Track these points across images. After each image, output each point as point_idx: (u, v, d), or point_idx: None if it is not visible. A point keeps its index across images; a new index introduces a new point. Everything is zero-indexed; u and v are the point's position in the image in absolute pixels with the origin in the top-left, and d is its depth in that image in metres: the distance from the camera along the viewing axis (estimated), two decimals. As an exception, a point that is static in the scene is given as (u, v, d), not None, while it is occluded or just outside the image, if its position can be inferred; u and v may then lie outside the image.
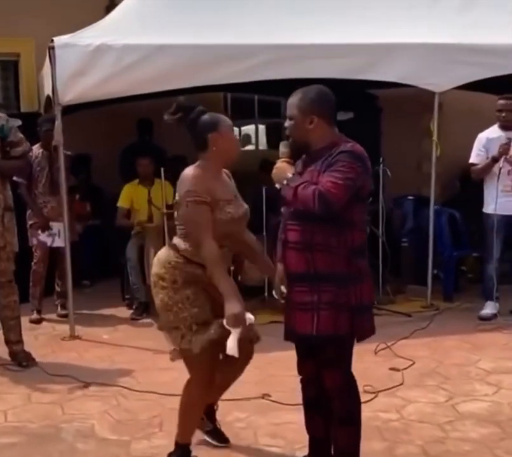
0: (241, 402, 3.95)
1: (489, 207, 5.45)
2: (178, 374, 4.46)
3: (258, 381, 4.24)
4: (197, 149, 3.02)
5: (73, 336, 5.28)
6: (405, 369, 4.40)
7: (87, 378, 4.37)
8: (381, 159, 6.13)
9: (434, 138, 5.75)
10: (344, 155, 2.74)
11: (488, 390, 4.06)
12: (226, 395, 4.02)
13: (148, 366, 4.65)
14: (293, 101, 2.86)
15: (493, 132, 5.55)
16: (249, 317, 3.01)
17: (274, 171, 2.90)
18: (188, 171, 2.97)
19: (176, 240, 3.08)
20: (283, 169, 2.87)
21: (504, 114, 5.45)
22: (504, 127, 5.49)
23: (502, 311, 5.58)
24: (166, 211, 5.51)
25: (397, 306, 5.89)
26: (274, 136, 9.23)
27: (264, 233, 5.90)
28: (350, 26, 5.68)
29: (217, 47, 5.24)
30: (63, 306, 5.87)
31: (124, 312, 6.01)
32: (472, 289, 6.32)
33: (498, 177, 5.29)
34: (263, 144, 10.49)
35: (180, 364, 4.64)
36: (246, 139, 10.49)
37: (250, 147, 11.02)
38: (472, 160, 5.57)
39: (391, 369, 4.41)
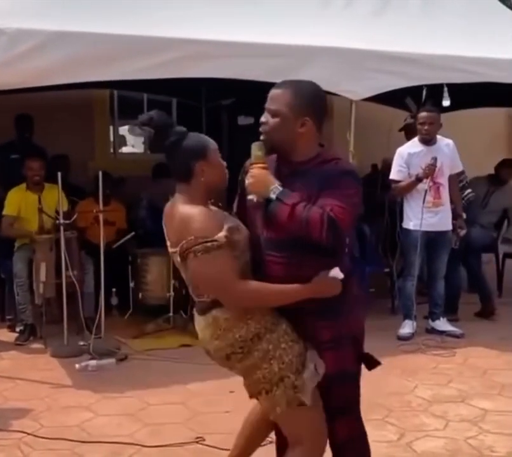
0: (174, 449, 3.41)
1: (410, 223, 5.23)
2: (88, 415, 3.89)
3: (186, 421, 3.74)
4: (178, 179, 2.42)
5: (-51, 367, 4.51)
6: (342, 400, 4.03)
7: (-22, 422, 3.68)
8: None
9: (351, 148, 5.43)
10: (349, 176, 2.33)
11: (437, 423, 3.77)
12: (154, 440, 3.51)
13: (49, 404, 4.00)
14: (284, 95, 2.34)
15: (414, 146, 5.33)
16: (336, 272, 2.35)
17: (251, 179, 2.35)
18: (189, 209, 2.32)
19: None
20: (265, 179, 2.34)
21: (426, 127, 5.24)
22: (425, 140, 5.29)
23: (418, 330, 5.38)
24: (63, 221, 4.82)
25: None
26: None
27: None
28: (265, 22, 5.27)
29: (126, 38, 4.61)
30: None
31: (7, 335, 5.26)
32: (377, 305, 6.11)
33: (425, 196, 5.08)
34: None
35: (87, 402, 4.07)
36: (122, 140, 9.84)
37: (127, 149, 10.36)
38: (393, 176, 5.30)
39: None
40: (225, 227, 2.31)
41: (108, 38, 4.59)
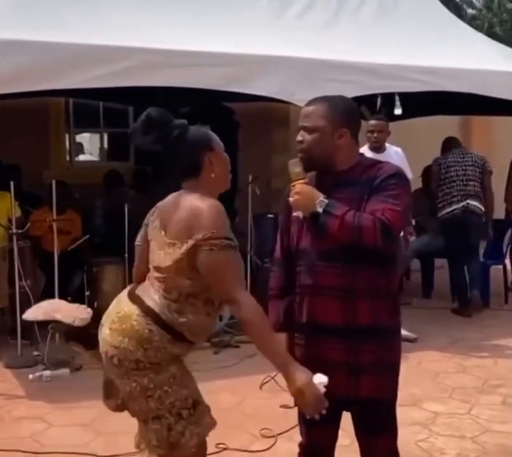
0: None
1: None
2: (41, 425, 3.86)
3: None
4: (184, 175, 2.35)
5: None
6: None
7: None
8: (250, 178, 5.86)
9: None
10: (395, 178, 2.33)
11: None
12: (108, 449, 3.51)
13: (2, 416, 3.99)
14: (319, 110, 2.35)
15: (364, 153, 5.41)
16: (321, 380, 2.25)
17: (296, 196, 2.36)
18: (202, 203, 2.26)
19: (156, 301, 2.33)
20: (310, 194, 2.33)
21: (375, 135, 5.37)
22: (374, 148, 5.41)
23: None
24: (16, 230, 4.78)
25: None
26: (116, 147, 8.64)
27: (126, 254, 5.36)
28: (219, 32, 5.33)
29: (79, 47, 4.62)
30: None
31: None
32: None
33: None
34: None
35: (41, 413, 4.05)
36: (79, 148, 9.84)
37: (85, 157, 10.34)
38: None
39: (283, 406, 3.97)
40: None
41: (61, 47, 4.58)
